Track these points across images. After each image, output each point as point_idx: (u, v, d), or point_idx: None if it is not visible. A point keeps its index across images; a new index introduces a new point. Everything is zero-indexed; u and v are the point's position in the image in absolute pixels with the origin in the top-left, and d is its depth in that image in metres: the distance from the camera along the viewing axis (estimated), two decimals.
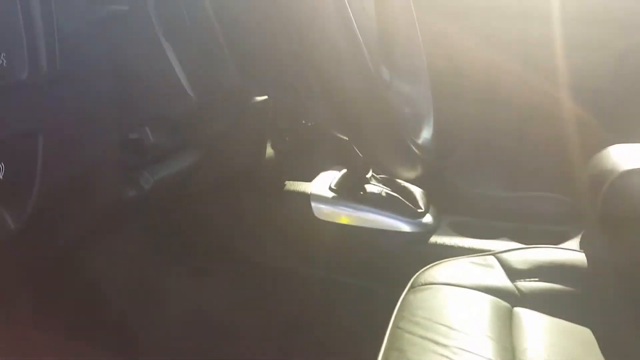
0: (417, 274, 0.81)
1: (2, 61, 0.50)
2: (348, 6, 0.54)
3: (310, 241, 1.05)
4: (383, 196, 1.04)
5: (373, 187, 1.06)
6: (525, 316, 0.73)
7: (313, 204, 1.05)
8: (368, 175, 1.06)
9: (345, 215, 1.03)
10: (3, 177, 0.54)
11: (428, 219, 1.04)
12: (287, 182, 1.10)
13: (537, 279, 0.79)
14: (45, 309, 0.87)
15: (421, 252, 1.00)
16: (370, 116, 0.58)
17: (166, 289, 1.09)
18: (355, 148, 0.64)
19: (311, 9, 0.51)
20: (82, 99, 0.60)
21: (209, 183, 0.97)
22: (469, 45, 1.22)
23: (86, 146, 0.63)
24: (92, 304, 0.97)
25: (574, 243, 0.98)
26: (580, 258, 0.83)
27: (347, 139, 0.63)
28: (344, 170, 1.11)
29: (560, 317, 0.73)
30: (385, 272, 1.02)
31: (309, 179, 1.11)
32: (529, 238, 1.01)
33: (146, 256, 1.05)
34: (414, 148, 0.62)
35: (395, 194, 1.04)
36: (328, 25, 0.52)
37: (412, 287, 0.79)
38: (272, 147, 1.09)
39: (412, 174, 0.65)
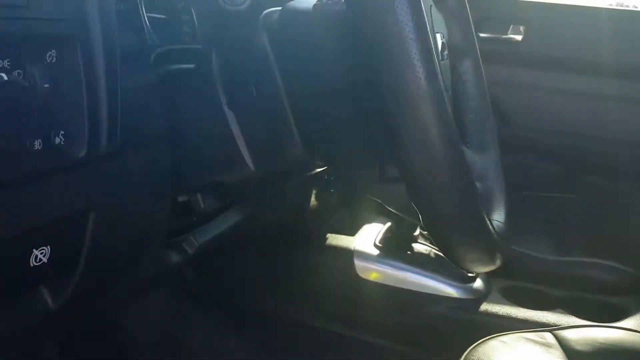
0: (469, 349, 0.75)
1: (60, 140, 0.45)
2: (444, 88, 0.48)
3: (352, 301, 0.99)
4: (431, 257, 0.98)
5: (420, 246, 1.00)
6: None
7: (356, 261, 0.99)
8: (416, 233, 1.01)
9: (390, 275, 0.97)
10: (48, 260, 0.49)
11: (478, 283, 0.98)
12: (329, 235, 1.04)
13: None
14: None
15: (471, 321, 0.94)
16: (451, 195, 0.52)
17: (201, 346, 1.04)
18: (431, 237, 0.58)
19: (405, 95, 0.46)
20: (137, 169, 0.56)
21: (250, 239, 0.92)
22: (518, 96, 1.17)
23: (135, 218, 0.58)
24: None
25: (636, 320, 0.92)
26: None
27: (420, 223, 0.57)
28: (389, 224, 1.05)
29: None
30: (432, 339, 0.96)
31: (351, 231, 1.05)
32: (585, 310, 0.95)
33: (181, 312, 1.00)
34: (494, 233, 0.56)
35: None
36: (421, 107, 0.46)
37: None
38: (317, 199, 1.04)
39: (490, 266, 0.58)
